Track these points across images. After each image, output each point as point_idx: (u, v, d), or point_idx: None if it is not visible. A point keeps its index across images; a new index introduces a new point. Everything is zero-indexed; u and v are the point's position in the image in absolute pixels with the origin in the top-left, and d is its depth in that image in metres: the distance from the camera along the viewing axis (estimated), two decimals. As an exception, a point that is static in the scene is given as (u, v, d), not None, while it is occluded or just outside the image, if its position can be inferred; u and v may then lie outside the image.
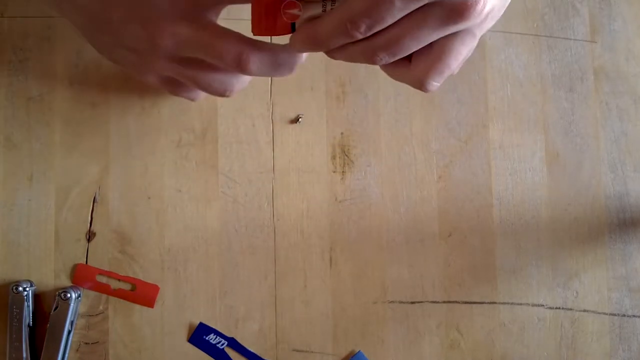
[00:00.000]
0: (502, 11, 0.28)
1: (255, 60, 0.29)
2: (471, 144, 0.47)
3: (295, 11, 0.27)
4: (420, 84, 0.29)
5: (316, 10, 0.28)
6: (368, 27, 0.25)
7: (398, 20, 0.26)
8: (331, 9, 0.28)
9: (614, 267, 0.48)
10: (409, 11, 0.25)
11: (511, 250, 0.47)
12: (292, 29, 0.28)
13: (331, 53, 0.30)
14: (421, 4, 0.24)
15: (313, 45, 0.28)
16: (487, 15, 0.26)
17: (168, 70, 0.32)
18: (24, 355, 0.40)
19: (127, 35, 0.30)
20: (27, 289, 0.41)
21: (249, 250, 0.44)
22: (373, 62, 0.28)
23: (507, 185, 0.47)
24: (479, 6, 0.24)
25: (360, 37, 0.26)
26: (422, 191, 0.46)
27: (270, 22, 0.28)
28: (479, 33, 0.27)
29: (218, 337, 0.43)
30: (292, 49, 0.30)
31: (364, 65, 0.46)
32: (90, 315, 0.42)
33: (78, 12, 0.30)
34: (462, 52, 0.27)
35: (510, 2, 0.48)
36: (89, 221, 0.43)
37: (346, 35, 0.26)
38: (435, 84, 0.29)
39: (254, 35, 0.28)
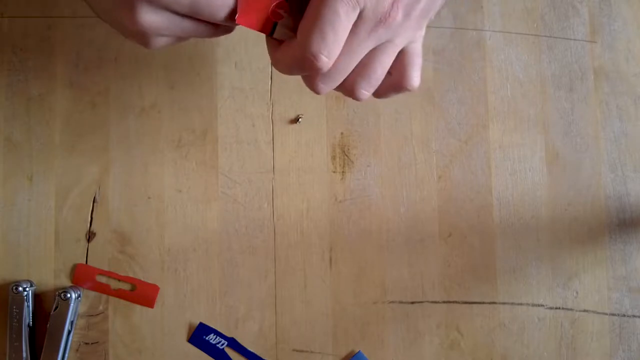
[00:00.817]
0: (424, 22, 0.30)
1: None
2: (471, 144, 0.47)
3: (282, 12, 0.28)
4: (351, 92, 0.31)
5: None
6: (327, 56, 0.27)
7: None
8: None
9: (614, 267, 0.48)
10: (351, 24, 0.27)
11: (511, 250, 0.47)
12: (272, 29, 0.29)
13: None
14: (356, 11, 0.26)
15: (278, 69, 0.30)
16: (404, 25, 0.28)
17: (160, 26, 0.28)
18: (24, 355, 0.40)
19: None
20: (27, 289, 0.41)
21: (249, 250, 0.44)
22: (314, 90, 0.30)
23: (507, 185, 0.47)
24: (393, 12, 0.27)
25: (323, 68, 0.27)
26: (422, 191, 0.46)
27: (257, 15, 0.28)
28: (400, 42, 0.30)
29: (218, 337, 0.43)
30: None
31: (364, 65, 0.46)
32: (90, 315, 0.42)
33: None
34: (386, 61, 0.30)
35: (510, 2, 0.49)
36: (89, 221, 0.43)
37: (305, 68, 0.28)
38: (365, 92, 0.31)
39: (236, 23, 0.28)
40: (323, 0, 0.26)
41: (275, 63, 0.30)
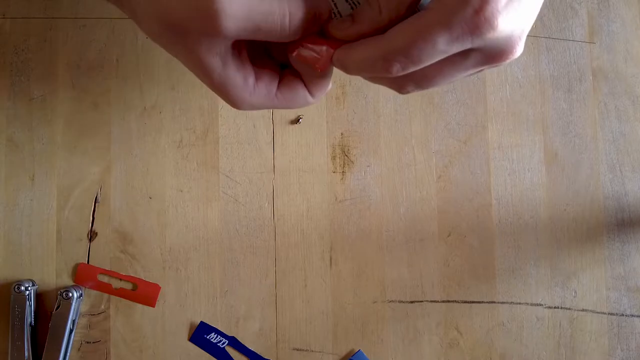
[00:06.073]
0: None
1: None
2: (470, 145, 0.47)
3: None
4: (399, 89, 0.28)
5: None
6: (402, 68, 0.24)
7: None
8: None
9: (613, 267, 0.48)
10: (448, 55, 0.24)
11: (510, 250, 0.47)
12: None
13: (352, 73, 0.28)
14: (463, 48, 0.23)
15: (340, 67, 0.27)
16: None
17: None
18: (26, 354, 0.40)
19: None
20: (29, 288, 0.41)
21: (249, 250, 0.44)
22: (400, 92, 0.28)
23: (506, 185, 0.48)
24: (517, 48, 0.24)
25: (391, 76, 0.25)
26: (421, 191, 0.46)
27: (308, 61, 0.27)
28: None
29: (219, 336, 0.43)
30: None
31: (363, 66, 0.47)
32: (91, 315, 0.43)
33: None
34: (452, 74, 0.26)
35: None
36: (91, 221, 0.43)
37: (377, 71, 0.25)
38: (411, 90, 0.28)
39: (288, 54, 0.27)
40: (424, 24, 0.23)
41: (343, 58, 0.26)
